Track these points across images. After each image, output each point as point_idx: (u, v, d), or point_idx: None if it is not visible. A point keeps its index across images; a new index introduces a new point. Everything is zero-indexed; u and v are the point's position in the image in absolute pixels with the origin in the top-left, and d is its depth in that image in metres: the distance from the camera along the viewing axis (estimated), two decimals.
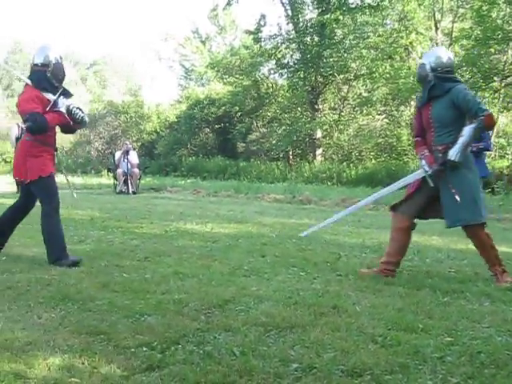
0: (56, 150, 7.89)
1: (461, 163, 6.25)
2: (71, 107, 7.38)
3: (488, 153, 15.10)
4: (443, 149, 6.33)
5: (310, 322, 4.74)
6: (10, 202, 14.62)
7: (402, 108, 33.86)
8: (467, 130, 6.26)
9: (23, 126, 7.45)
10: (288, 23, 33.77)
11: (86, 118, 7.61)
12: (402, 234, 6.65)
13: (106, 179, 27.80)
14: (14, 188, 19.63)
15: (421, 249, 8.68)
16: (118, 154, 22.26)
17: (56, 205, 7.64)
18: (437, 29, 30.45)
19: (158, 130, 39.97)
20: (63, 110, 7.31)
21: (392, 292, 5.86)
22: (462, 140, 6.24)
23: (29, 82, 7.34)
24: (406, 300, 5.53)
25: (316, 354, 4.03)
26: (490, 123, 6.60)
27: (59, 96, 7.30)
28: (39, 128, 7.11)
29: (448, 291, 5.92)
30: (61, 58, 7.72)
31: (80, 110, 7.55)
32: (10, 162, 36.57)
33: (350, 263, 7.46)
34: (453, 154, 6.25)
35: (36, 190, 7.57)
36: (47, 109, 7.08)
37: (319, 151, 33.07)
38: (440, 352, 4.13)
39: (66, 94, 7.51)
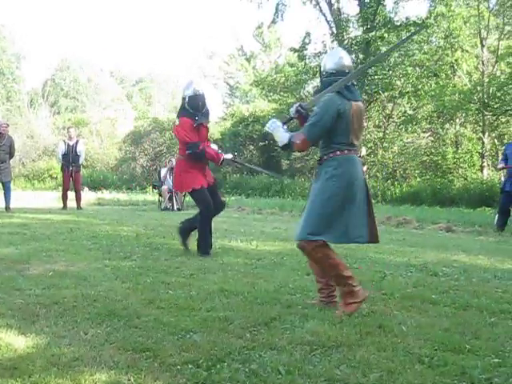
0: (207, 164, 9.58)
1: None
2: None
3: None
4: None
5: (356, 342, 4.71)
6: (57, 217, 14.83)
7: (447, 126, 33.67)
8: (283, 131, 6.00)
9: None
10: (333, 41, 33.74)
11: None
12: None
13: (151, 196, 27.99)
14: (60, 204, 19.84)
15: (467, 268, 8.59)
16: (163, 171, 22.42)
17: (209, 212, 9.25)
18: (482, 46, 30.29)
19: None
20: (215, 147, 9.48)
21: (438, 312, 5.80)
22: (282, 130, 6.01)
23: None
24: (452, 320, 5.47)
25: (362, 374, 4.00)
26: (298, 149, 6.16)
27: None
28: (197, 158, 9.20)
29: (495, 311, 5.84)
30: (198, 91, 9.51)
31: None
32: (57, 177, 37.06)
33: (395, 282, 7.40)
34: (269, 125, 6.11)
35: (194, 200, 9.65)
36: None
37: (364, 169, 32.87)
38: (487, 373, 4.06)
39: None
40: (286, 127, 6.09)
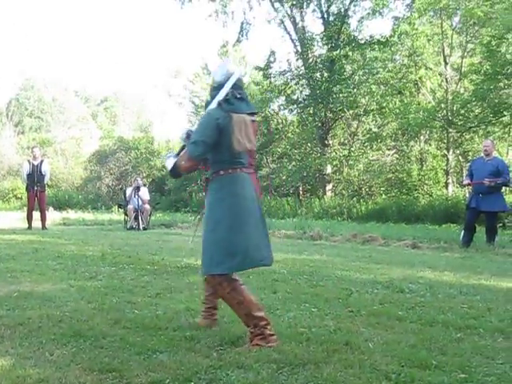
0: None
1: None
2: None
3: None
4: None
5: (323, 359, 4.71)
6: (22, 237, 14.72)
7: (412, 143, 33.96)
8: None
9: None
10: (297, 59, 33.95)
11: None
12: None
13: (117, 215, 27.84)
14: (25, 224, 19.69)
15: (433, 284, 8.64)
16: (128, 190, 22.33)
17: None
18: (446, 64, 30.61)
19: None
20: None
21: (404, 328, 5.82)
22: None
23: None
24: (418, 336, 5.49)
25: None
26: (185, 170, 5.74)
27: None
28: None
29: (461, 327, 5.88)
30: None
31: None
32: (21, 197, 36.78)
33: (361, 299, 7.42)
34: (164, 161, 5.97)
35: None
36: None
37: (329, 187, 33.09)
38: None
39: None
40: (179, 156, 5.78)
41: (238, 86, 5.58)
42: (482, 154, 14.83)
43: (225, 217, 5.32)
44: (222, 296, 5.44)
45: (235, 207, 5.34)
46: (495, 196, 14.03)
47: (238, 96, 5.52)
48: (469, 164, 17.70)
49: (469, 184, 14.97)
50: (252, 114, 5.60)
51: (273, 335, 5.27)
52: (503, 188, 14.82)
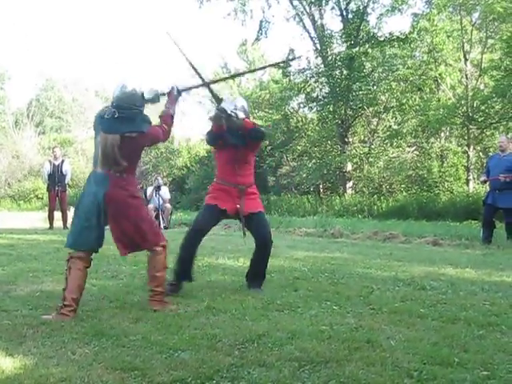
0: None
1: None
2: None
3: None
4: None
5: (345, 357, 4.70)
6: (43, 238, 14.76)
7: (432, 140, 33.83)
8: None
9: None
10: (317, 57, 33.92)
11: None
12: None
13: None
14: (46, 224, 19.76)
15: (454, 281, 8.58)
16: (149, 190, 22.31)
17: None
18: (466, 60, 30.48)
19: (189, 165, 40.17)
20: None
21: (426, 325, 5.79)
22: None
23: None
24: (440, 333, 5.46)
25: None
26: None
27: None
28: None
29: (483, 324, 5.84)
30: None
31: None
32: (43, 198, 36.96)
33: (382, 297, 7.39)
34: None
35: None
36: None
37: (349, 184, 33.05)
38: None
39: None
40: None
41: (121, 106, 6.42)
42: (498, 151, 14.77)
43: (76, 207, 6.44)
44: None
45: (80, 201, 6.44)
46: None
47: (116, 116, 6.35)
48: (487, 160, 17.62)
49: (485, 181, 14.91)
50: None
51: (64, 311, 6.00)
52: None
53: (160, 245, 6.63)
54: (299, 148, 37.69)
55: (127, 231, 6.30)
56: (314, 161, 35.01)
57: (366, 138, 36.09)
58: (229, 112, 7.32)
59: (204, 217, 7.76)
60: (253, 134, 7.74)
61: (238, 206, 7.61)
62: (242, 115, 7.44)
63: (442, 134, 33.40)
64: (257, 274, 7.84)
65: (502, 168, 13.86)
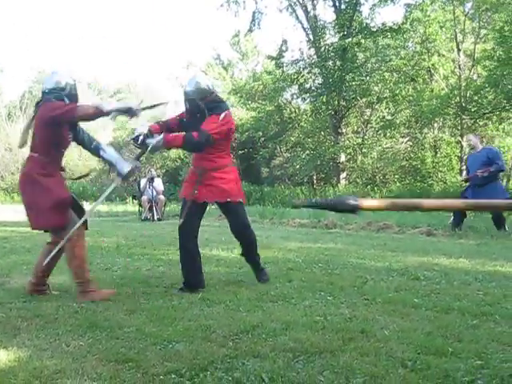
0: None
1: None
2: None
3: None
4: None
5: (339, 347, 4.70)
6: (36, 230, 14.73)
7: (426, 130, 33.87)
8: None
9: None
10: (310, 48, 33.94)
11: None
12: None
13: (131, 206, 27.91)
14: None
15: (448, 271, 8.60)
16: (143, 182, 22.31)
17: None
18: (459, 50, 30.49)
19: (182, 157, 40.09)
20: None
21: (420, 315, 5.80)
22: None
23: None
24: (434, 323, 5.47)
25: (345, 380, 4.00)
26: None
27: None
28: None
29: (477, 314, 5.85)
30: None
31: None
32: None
33: (376, 287, 7.40)
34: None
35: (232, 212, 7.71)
36: None
37: (343, 175, 33.11)
38: (470, 376, 4.07)
39: None
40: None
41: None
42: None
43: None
44: None
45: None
46: (492, 186, 14.07)
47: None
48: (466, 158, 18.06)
49: (467, 179, 15.09)
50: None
51: None
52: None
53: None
54: (292, 139, 37.73)
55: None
56: (307, 152, 35.08)
57: (360, 129, 36.14)
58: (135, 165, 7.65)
59: (181, 214, 7.35)
60: (188, 148, 7.77)
61: (196, 191, 7.12)
62: (156, 139, 7.08)
63: (436, 125, 33.43)
64: (253, 265, 7.80)
65: (478, 164, 14.22)
